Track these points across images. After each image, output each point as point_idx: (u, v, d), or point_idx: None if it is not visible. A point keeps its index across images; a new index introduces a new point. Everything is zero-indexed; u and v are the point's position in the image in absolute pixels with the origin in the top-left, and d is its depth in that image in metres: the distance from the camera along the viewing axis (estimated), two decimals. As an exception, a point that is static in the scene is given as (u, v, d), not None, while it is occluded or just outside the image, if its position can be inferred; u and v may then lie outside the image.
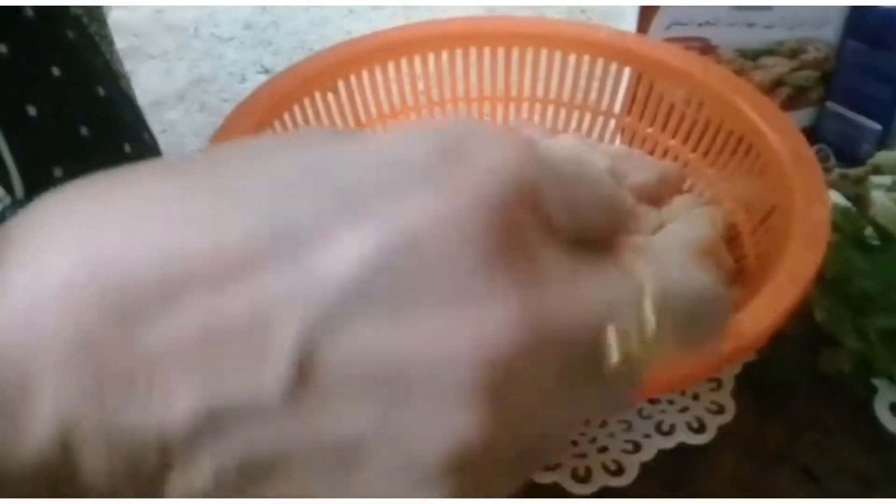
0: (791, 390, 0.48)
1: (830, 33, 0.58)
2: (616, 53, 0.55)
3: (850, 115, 0.60)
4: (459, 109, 0.60)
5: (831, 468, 0.44)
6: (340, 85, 0.55)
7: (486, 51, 0.58)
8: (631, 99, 0.56)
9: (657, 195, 0.53)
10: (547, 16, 0.62)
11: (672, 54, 0.54)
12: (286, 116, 0.51)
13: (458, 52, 0.58)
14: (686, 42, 0.60)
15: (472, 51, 0.57)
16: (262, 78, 0.84)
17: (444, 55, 0.57)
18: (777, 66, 0.61)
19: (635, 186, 0.53)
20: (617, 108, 0.58)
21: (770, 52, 0.60)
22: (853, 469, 0.44)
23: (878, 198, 0.44)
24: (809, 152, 0.45)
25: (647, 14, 0.58)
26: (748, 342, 0.36)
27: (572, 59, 0.57)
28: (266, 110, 0.49)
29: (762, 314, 0.37)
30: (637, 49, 0.54)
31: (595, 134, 0.59)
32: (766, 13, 0.57)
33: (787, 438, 0.46)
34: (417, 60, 0.56)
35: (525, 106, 0.60)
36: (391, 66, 0.56)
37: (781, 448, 0.45)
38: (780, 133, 0.47)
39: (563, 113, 0.60)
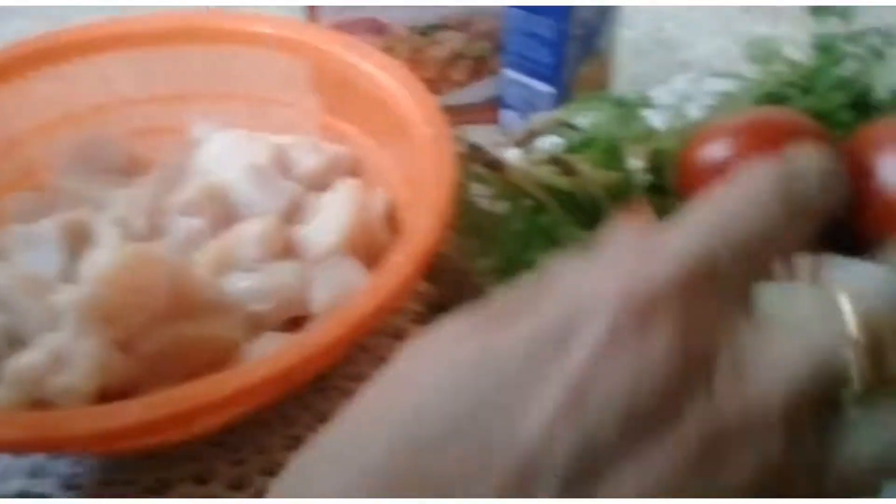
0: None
1: (492, 1, 0.59)
2: (271, 41, 0.54)
3: (525, 80, 0.61)
4: (150, 111, 0.57)
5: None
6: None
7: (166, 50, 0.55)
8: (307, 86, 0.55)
9: (328, 181, 0.52)
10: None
11: (313, 36, 0.53)
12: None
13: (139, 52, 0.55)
14: (360, 24, 0.59)
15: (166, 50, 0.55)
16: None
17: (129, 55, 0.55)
18: (452, 40, 0.61)
19: (305, 175, 0.52)
20: (289, 97, 0.56)
21: (442, 26, 0.60)
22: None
23: (514, 161, 0.45)
24: (442, 126, 0.45)
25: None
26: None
27: (240, 50, 0.56)
28: None
29: (366, 301, 0.36)
30: (285, 34, 0.53)
31: (275, 124, 0.57)
32: None
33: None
34: (101, 60, 0.54)
35: (206, 104, 0.58)
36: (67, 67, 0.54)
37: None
38: (416, 102, 0.47)
39: (244, 107, 0.58)
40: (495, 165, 0.45)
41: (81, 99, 0.55)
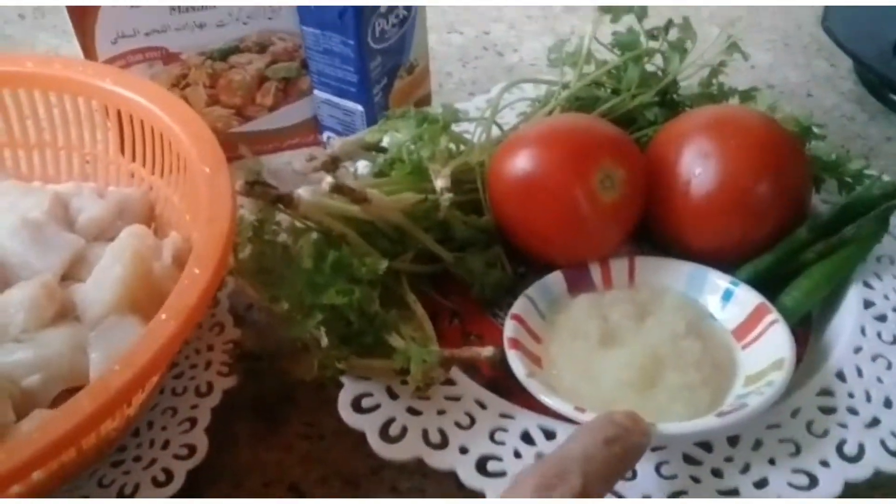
0: (285, 405, 0.46)
1: (289, 22, 0.56)
2: (46, 81, 0.50)
3: (335, 99, 0.59)
4: None
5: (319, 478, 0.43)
6: None
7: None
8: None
9: (118, 229, 0.48)
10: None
11: (91, 73, 0.49)
12: None
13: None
14: (144, 52, 0.55)
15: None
16: None
17: None
18: (252, 63, 0.58)
19: (89, 224, 0.48)
20: (73, 139, 0.52)
21: (236, 49, 0.57)
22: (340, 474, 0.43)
23: (304, 194, 0.42)
24: (218, 163, 0.42)
25: (85, 30, 0.53)
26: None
27: (15, 92, 0.51)
28: None
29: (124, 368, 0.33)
30: (57, 73, 0.49)
31: (59, 169, 0.53)
32: (211, 12, 0.54)
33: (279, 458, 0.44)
34: None
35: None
36: None
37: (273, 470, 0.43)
38: (192, 139, 0.44)
39: (34, 154, 0.53)
40: (284, 200, 0.42)
41: None
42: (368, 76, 0.56)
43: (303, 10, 0.55)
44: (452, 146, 0.51)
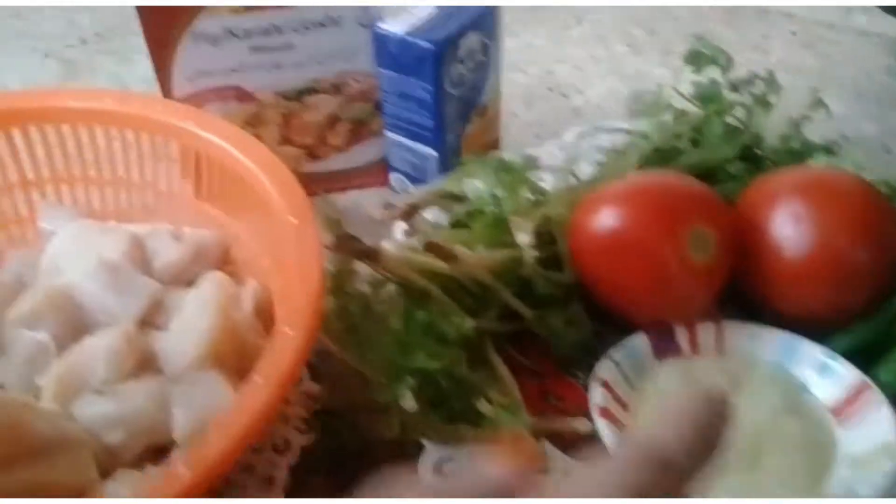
0: (362, 462, 0.45)
1: (365, 63, 0.56)
2: (125, 120, 0.49)
3: (408, 143, 0.58)
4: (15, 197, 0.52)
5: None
6: None
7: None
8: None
9: (194, 273, 0.48)
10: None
11: (157, 108, 0.49)
12: None
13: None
14: (220, 91, 0.55)
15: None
16: None
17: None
18: (326, 103, 0.57)
19: (166, 268, 0.47)
20: (148, 179, 0.52)
21: (312, 90, 0.56)
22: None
23: (390, 249, 0.41)
24: (307, 215, 0.41)
25: (163, 66, 0.52)
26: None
27: (93, 130, 0.51)
28: None
29: (224, 435, 0.32)
30: (138, 112, 0.49)
31: (134, 209, 0.52)
32: (290, 52, 0.54)
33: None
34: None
35: (55, 189, 0.53)
36: None
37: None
38: (278, 188, 0.43)
39: (97, 192, 0.53)
40: (370, 255, 0.41)
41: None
42: (444, 121, 0.55)
43: (381, 53, 0.54)
44: (530, 195, 0.51)
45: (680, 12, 0.84)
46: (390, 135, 0.59)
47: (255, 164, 0.45)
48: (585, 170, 0.56)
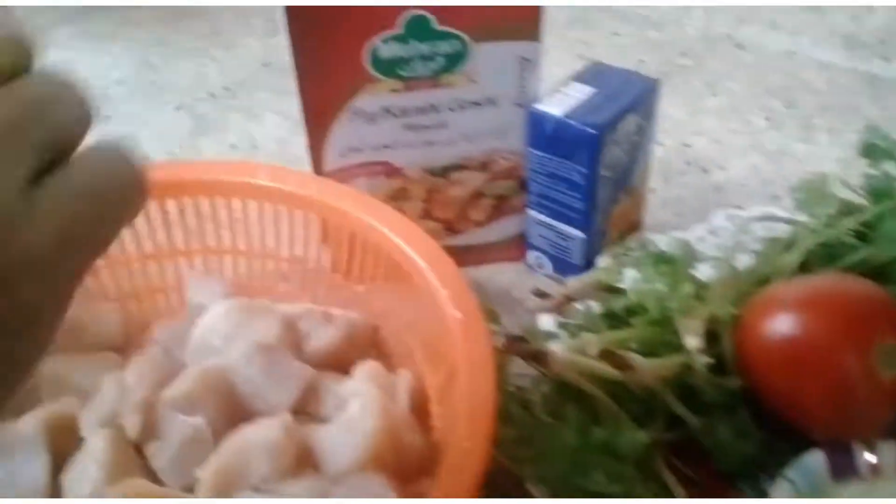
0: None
1: (515, 142, 0.54)
2: (275, 195, 0.49)
3: (553, 222, 0.56)
4: (145, 268, 0.52)
5: None
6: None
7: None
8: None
9: (345, 357, 0.46)
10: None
11: (334, 192, 0.48)
12: None
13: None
14: (369, 166, 0.54)
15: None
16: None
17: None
18: (472, 180, 0.56)
19: (318, 352, 0.46)
20: (297, 254, 0.51)
21: (459, 166, 0.55)
22: None
23: (559, 351, 0.39)
24: (472, 308, 0.39)
25: (317, 142, 0.52)
26: None
27: (243, 204, 0.51)
28: None
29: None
30: (288, 188, 0.48)
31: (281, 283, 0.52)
32: (443, 130, 0.53)
33: None
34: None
35: (205, 260, 0.52)
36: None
37: None
38: (440, 278, 0.41)
39: (245, 263, 0.52)
40: (538, 357, 0.39)
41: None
42: (595, 203, 0.54)
43: (535, 134, 0.52)
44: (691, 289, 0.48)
45: (818, 83, 0.81)
46: (533, 213, 0.57)
47: (417, 252, 0.44)
48: (742, 259, 0.53)
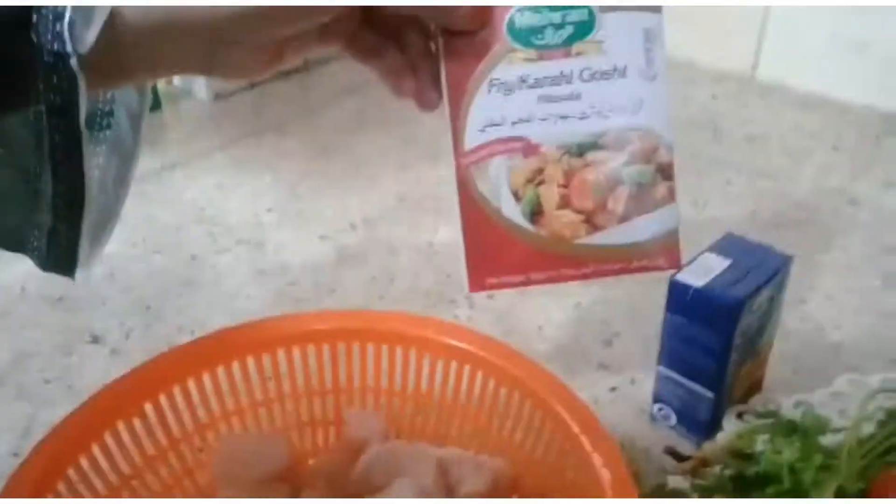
0: None
1: (646, 119, 0.55)
2: (429, 345, 0.54)
3: (682, 380, 0.60)
4: (310, 404, 0.58)
5: None
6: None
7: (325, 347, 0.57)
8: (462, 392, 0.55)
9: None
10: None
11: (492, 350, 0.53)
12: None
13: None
14: (508, 142, 0.56)
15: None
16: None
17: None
18: (608, 160, 0.56)
19: (469, 496, 0.51)
20: (449, 398, 0.56)
21: (594, 145, 0.55)
22: None
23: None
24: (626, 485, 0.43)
25: (458, 115, 0.54)
26: None
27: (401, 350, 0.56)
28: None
29: None
30: (455, 344, 0.54)
31: (433, 424, 0.57)
32: (575, 103, 0.55)
33: None
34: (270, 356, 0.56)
35: (363, 398, 0.58)
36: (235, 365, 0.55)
37: None
38: (591, 439, 0.45)
39: (408, 405, 0.58)
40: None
41: (244, 395, 0.56)
42: (726, 368, 0.57)
43: (676, 301, 0.57)
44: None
45: (934, 243, 0.84)
46: (664, 370, 0.61)
47: (568, 410, 0.48)
48: (865, 428, 0.56)
